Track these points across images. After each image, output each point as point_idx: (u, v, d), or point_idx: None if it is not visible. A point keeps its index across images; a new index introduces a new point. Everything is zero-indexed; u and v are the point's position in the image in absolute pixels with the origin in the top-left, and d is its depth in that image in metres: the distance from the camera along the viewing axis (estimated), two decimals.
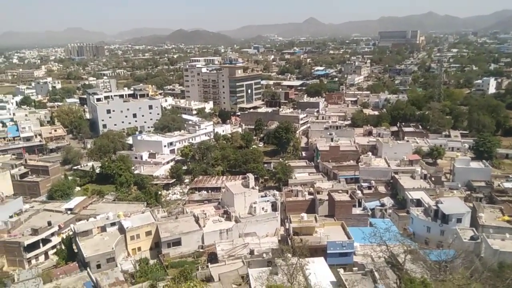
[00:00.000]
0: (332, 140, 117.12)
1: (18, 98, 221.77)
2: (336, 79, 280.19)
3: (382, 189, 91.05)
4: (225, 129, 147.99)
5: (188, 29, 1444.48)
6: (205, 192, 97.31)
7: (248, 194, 76.22)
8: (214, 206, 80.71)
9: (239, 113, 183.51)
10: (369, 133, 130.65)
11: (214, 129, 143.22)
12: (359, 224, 70.38)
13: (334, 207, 73.24)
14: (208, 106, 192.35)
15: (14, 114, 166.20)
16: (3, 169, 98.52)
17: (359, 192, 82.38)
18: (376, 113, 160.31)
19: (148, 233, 69.21)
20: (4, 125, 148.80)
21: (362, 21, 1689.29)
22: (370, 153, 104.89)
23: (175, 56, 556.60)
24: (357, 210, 73.65)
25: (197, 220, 71.04)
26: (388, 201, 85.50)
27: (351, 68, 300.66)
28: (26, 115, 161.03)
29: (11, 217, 76.65)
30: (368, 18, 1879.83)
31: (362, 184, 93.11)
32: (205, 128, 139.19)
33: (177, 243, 67.32)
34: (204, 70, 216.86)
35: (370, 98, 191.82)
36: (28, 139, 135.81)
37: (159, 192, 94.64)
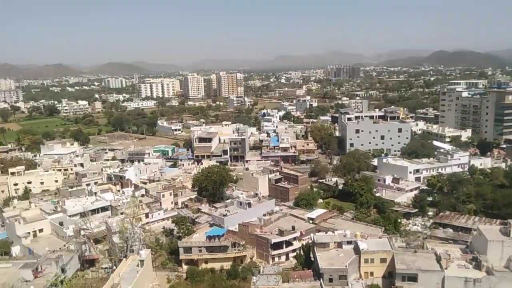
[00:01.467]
0: None
1: (282, 113, 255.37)
2: None
3: None
4: (483, 162, 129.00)
5: (450, 49, 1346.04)
6: (451, 230, 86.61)
7: (507, 244, 63.40)
8: (460, 248, 70.61)
9: (504, 146, 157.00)
10: None
11: (469, 161, 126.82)
12: None
13: None
14: (465, 134, 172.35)
15: (277, 126, 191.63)
16: (263, 173, 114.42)
17: None
18: None
19: (382, 260, 66.42)
20: (268, 135, 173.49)
21: None
22: None
23: (431, 79, 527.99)
24: None
25: (438, 259, 63.64)
26: None
27: None
28: (286, 128, 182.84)
29: (264, 215, 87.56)
30: None
31: None
32: (459, 159, 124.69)
33: (413, 278, 61.91)
34: (464, 94, 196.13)
35: None
36: (285, 149, 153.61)
37: (399, 220, 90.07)
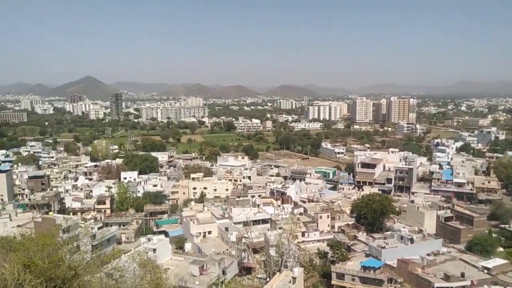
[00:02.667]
0: None
1: (459, 143, 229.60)
2: None
3: None
4: None
5: None
6: None
7: None
8: None
9: None
10: None
11: None
12: None
13: None
14: None
15: (451, 158, 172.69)
16: (432, 208, 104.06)
17: None
18: None
19: None
20: (441, 167, 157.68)
21: None
22: None
23: None
24: None
25: None
26: None
27: None
28: (462, 161, 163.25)
29: (428, 254, 79.19)
30: None
31: None
32: None
33: None
34: None
35: None
36: (459, 185, 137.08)
37: None
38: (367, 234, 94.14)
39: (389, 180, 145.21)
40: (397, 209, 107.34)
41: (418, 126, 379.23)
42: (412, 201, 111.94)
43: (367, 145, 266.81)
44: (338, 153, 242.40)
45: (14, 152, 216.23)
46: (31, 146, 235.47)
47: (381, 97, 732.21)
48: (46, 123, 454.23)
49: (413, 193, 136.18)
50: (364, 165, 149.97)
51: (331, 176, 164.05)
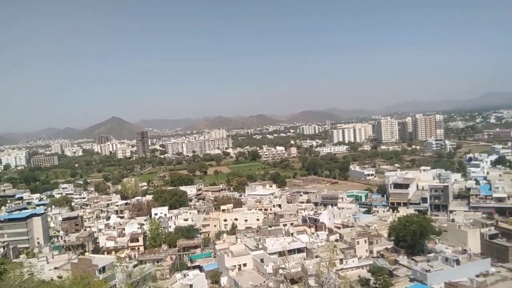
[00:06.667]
0: None
1: (493, 157, 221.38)
2: None
3: None
4: None
5: None
6: None
7: None
8: None
9: None
10: None
11: None
12: None
13: None
14: None
15: (487, 173, 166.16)
16: (474, 226, 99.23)
17: None
18: None
19: None
20: (477, 182, 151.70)
21: None
22: None
23: None
24: None
25: None
26: None
27: None
28: (500, 175, 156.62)
29: (477, 276, 74.90)
30: None
31: None
32: None
33: None
34: None
35: None
36: (500, 199, 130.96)
37: None
38: (408, 257, 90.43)
39: (424, 200, 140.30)
40: (436, 229, 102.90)
41: (447, 142, 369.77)
42: (452, 220, 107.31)
43: (397, 165, 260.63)
44: (368, 175, 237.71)
45: (48, 195, 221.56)
46: (63, 188, 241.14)
47: (406, 115, 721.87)
48: (76, 165, 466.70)
49: (451, 211, 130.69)
50: (397, 185, 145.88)
51: (363, 199, 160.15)
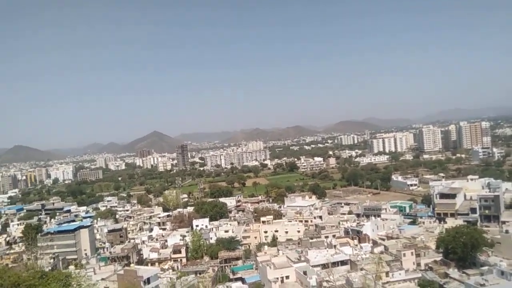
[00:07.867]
0: None
1: None
2: None
3: None
4: None
5: None
6: None
7: None
8: None
9: None
10: None
11: None
12: None
13: None
14: None
15: None
16: None
17: None
18: None
19: None
20: None
21: None
22: None
23: None
24: None
25: None
26: None
27: None
28: None
29: None
30: None
31: None
32: None
33: None
34: None
35: None
36: None
37: None
38: (459, 270, 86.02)
39: (473, 210, 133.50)
40: (489, 240, 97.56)
41: (495, 150, 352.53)
42: (506, 231, 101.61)
43: (442, 174, 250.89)
44: (411, 185, 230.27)
45: (93, 207, 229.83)
46: (108, 201, 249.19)
47: (448, 123, 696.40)
48: (119, 178, 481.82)
49: (503, 222, 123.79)
50: (443, 195, 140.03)
51: (407, 210, 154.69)
